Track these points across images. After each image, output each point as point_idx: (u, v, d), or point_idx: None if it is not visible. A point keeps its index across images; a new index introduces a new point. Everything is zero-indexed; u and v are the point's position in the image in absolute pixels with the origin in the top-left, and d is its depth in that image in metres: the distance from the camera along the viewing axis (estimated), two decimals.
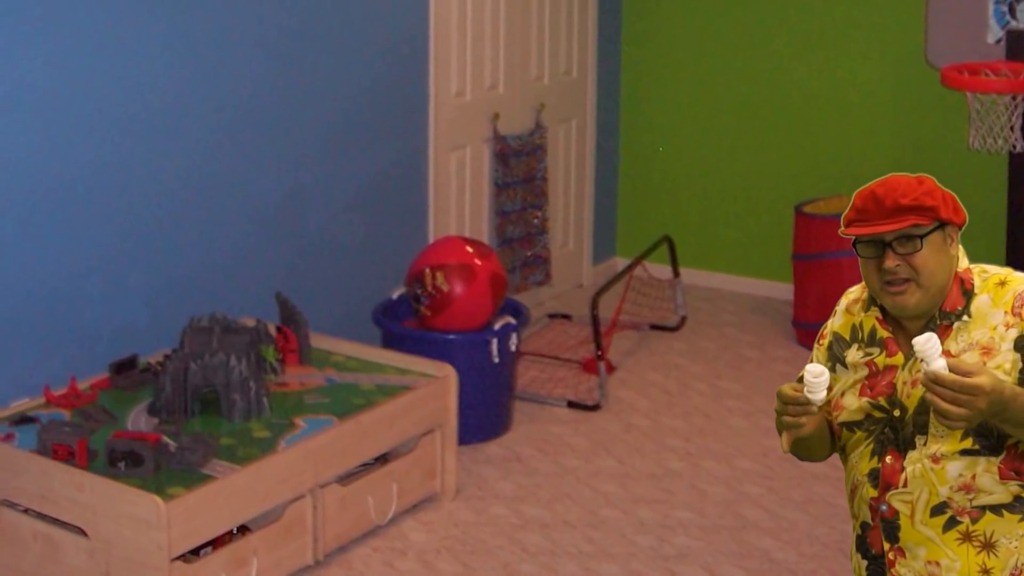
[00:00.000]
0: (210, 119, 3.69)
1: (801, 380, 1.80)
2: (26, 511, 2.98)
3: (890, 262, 1.76)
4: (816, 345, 1.97)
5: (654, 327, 4.84)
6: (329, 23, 4.02)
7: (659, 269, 4.93)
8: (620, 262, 5.35)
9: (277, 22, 3.85)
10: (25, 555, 2.97)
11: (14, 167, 3.23)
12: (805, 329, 4.69)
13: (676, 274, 4.90)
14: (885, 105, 4.92)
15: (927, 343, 1.63)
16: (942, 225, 1.78)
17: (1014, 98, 3.97)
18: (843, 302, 1.95)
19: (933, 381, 1.62)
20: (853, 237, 1.81)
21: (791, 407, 1.78)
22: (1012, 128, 3.97)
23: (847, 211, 1.82)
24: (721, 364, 4.54)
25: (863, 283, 1.91)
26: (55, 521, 2.93)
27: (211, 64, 3.66)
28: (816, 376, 1.75)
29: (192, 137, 3.64)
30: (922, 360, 1.65)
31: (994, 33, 4.19)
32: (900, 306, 1.79)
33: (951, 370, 1.63)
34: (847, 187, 4.89)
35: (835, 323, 1.93)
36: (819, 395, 1.76)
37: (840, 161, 5.01)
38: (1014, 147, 4.01)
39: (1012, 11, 4.15)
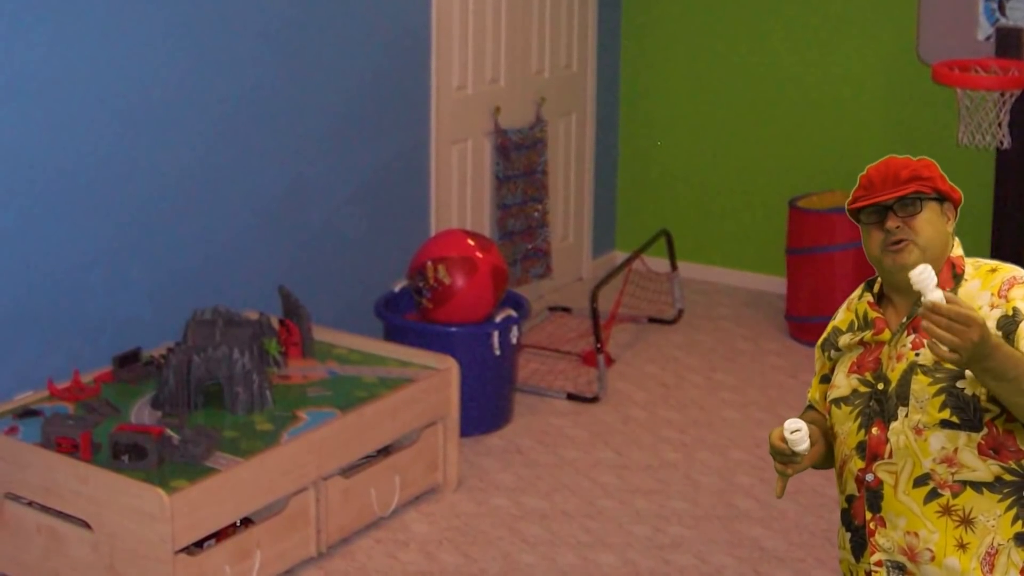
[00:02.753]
0: (212, 111, 3.62)
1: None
2: (30, 504, 2.94)
3: (891, 223, 1.82)
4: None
5: (652, 320, 4.81)
6: (332, 16, 3.95)
7: (657, 262, 4.89)
8: (619, 255, 5.32)
9: (280, 14, 3.79)
10: (29, 548, 2.93)
11: (15, 159, 3.17)
12: (797, 323, 4.67)
13: (674, 268, 4.87)
14: (877, 101, 4.89)
15: (923, 273, 1.66)
16: (940, 199, 1.84)
17: (1002, 95, 3.98)
18: (843, 304, 1.99)
19: (931, 310, 1.63)
20: (858, 211, 1.86)
21: (779, 456, 1.84)
22: (1000, 124, 3.99)
23: (851, 195, 1.88)
24: (716, 357, 4.52)
25: (861, 285, 1.96)
26: (59, 514, 2.89)
27: (214, 56, 3.60)
28: (794, 432, 1.79)
29: (194, 130, 3.58)
30: (919, 290, 1.66)
31: (984, 30, 4.18)
32: (900, 264, 1.81)
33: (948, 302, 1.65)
34: (840, 182, 4.86)
35: (835, 320, 1.98)
36: (802, 446, 1.80)
37: (833, 156, 4.99)
38: (1001, 143, 4.00)
39: (1002, 9, 4.14)
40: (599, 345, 4.17)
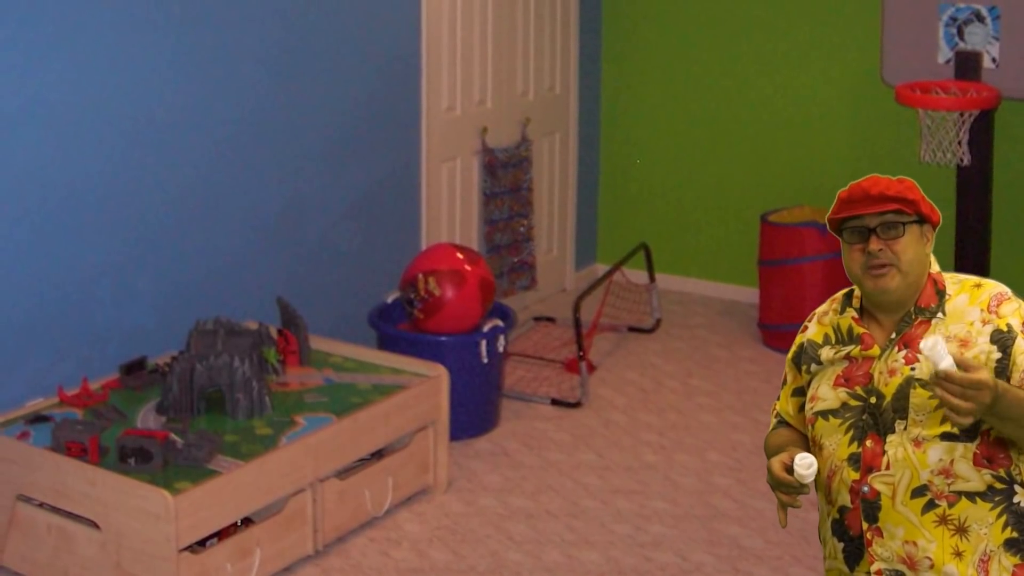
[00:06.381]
0: (214, 132, 3.66)
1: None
2: (41, 505, 2.96)
3: (874, 245, 1.79)
4: (787, 364, 1.99)
5: (631, 329, 4.84)
6: (327, 42, 3.99)
7: (636, 274, 4.94)
8: (600, 268, 5.35)
9: (278, 41, 3.82)
10: (40, 547, 2.94)
11: (29, 177, 3.19)
12: (770, 330, 4.72)
13: (652, 279, 4.90)
14: (843, 121, 4.94)
15: (935, 346, 1.64)
16: (921, 220, 1.82)
17: (962, 115, 4.02)
18: (813, 318, 1.96)
19: (944, 379, 1.63)
20: (838, 227, 1.83)
21: (783, 487, 1.80)
22: (960, 143, 4.03)
23: (832, 207, 1.85)
24: (692, 363, 4.55)
25: (829, 300, 1.94)
26: (69, 514, 2.90)
27: (216, 80, 3.63)
28: (806, 468, 1.76)
29: (197, 149, 3.61)
30: (931, 361, 1.65)
31: (944, 54, 4.23)
32: (881, 288, 1.80)
33: (958, 366, 1.64)
34: (809, 198, 4.92)
35: (807, 335, 1.94)
36: (810, 479, 1.77)
37: (802, 173, 5.04)
38: (961, 160, 4.05)
39: (961, 34, 4.20)
40: (581, 353, 4.21)
